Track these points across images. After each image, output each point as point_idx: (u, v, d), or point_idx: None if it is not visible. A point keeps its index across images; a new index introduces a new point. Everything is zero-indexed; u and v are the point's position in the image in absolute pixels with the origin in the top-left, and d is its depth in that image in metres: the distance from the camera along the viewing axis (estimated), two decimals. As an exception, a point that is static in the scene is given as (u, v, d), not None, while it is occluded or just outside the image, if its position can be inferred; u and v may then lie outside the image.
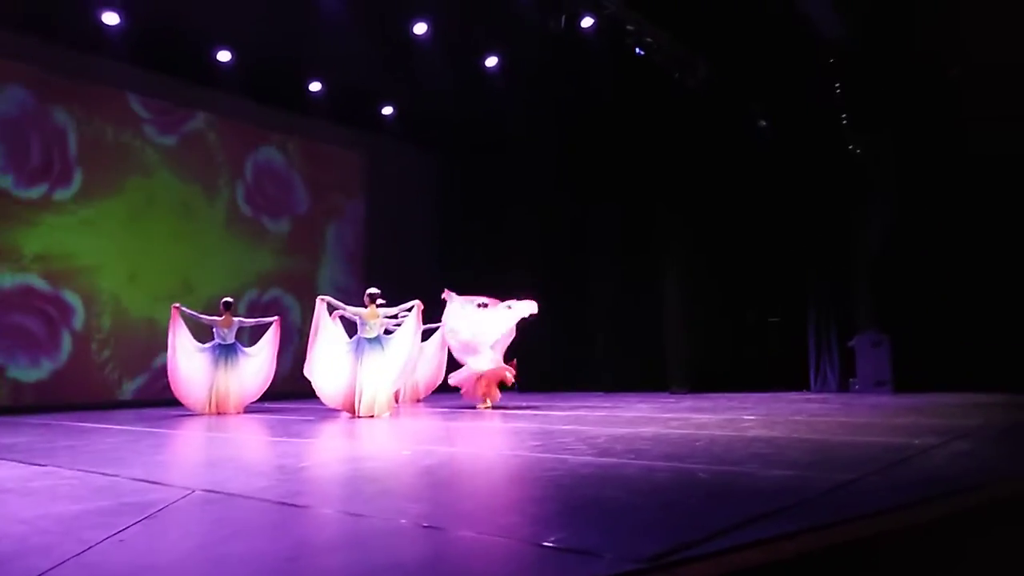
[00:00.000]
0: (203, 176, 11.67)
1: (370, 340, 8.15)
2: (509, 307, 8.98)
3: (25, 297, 9.62)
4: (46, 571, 2.16)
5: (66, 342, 9.94)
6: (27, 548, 2.47)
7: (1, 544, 2.51)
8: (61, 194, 10.08)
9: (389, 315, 8.47)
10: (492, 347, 8.77)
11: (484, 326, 8.83)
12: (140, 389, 10.57)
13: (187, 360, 8.99)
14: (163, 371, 9.96)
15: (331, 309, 8.41)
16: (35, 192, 9.83)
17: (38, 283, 9.74)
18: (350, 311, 8.38)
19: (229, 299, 9.43)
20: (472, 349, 8.78)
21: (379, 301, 8.33)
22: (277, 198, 12.63)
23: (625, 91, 11.50)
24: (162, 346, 9.32)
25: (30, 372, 9.57)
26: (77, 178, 10.24)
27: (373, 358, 8.05)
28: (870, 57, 9.75)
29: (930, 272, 9.68)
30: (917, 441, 4.63)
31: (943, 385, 9.12)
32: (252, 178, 12.31)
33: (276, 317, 9.76)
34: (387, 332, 8.61)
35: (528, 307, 8.90)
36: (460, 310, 8.98)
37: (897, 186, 9.98)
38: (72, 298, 10.05)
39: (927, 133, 9.68)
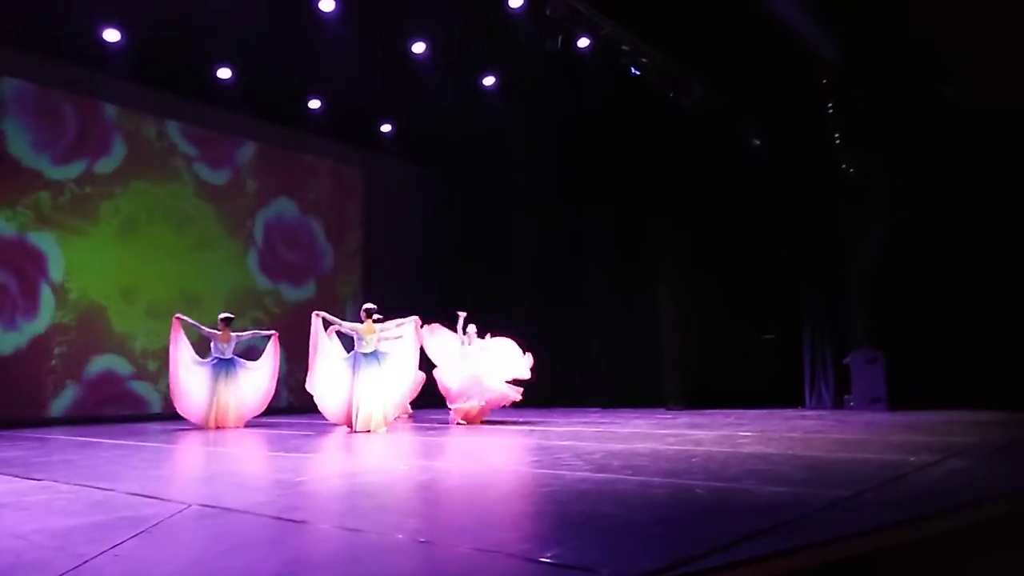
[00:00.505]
0: (200, 191, 11.73)
1: (367, 355, 8.15)
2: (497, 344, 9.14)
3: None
4: (43, 585, 2.16)
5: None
6: (23, 563, 2.46)
7: (-3, 558, 2.51)
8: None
9: (384, 330, 8.47)
10: (488, 381, 8.86)
11: (479, 368, 8.89)
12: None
13: (187, 373, 8.98)
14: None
15: (326, 324, 8.41)
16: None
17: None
18: (346, 326, 8.39)
19: (229, 315, 9.44)
20: (466, 393, 8.86)
21: (375, 316, 8.34)
22: (274, 214, 12.67)
23: (621, 110, 11.60)
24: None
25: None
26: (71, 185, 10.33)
27: (370, 373, 8.05)
28: (862, 77, 9.86)
29: (926, 289, 9.72)
30: (913, 458, 4.64)
31: (939, 403, 9.13)
32: (249, 195, 12.36)
33: (273, 332, 9.76)
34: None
35: (524, 367, 9.07)
36: (447, 352, 9.01)
37: (890, 203, 10.06)
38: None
39: (920, 150, 9.77)
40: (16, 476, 4.55)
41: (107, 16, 9.65)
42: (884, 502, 3.31)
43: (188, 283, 11.29)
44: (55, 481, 4.29)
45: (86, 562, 2.42)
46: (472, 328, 9.25)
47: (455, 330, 9.20)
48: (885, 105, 9.81)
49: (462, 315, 9.24)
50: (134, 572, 2.37)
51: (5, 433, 8.13)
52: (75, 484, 4.15)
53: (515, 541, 2.63)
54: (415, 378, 9.06)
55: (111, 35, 9.82)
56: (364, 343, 8.18)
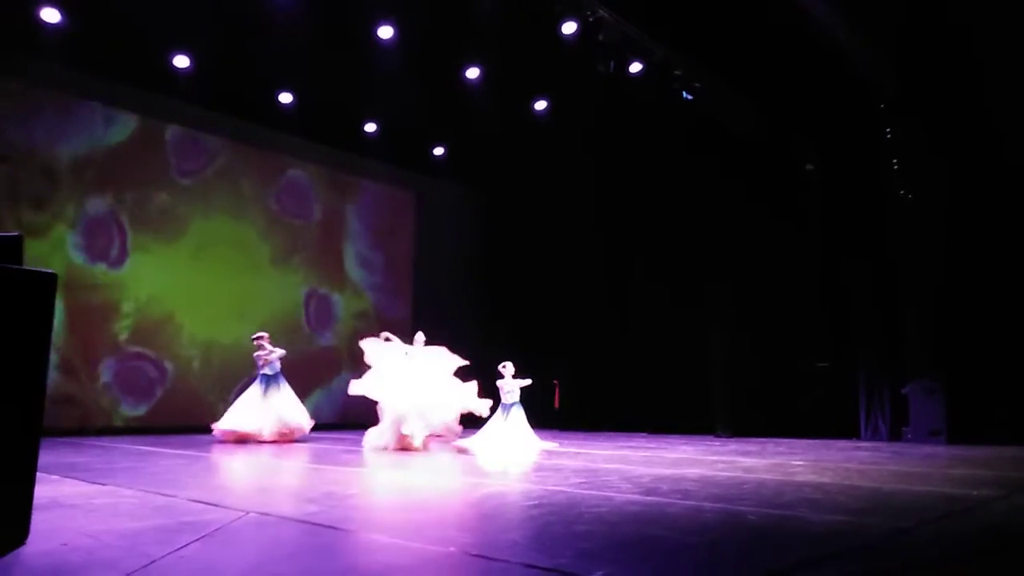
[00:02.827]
0: (251, 212, 12.09)
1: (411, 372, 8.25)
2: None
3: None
4: (116, 581, 2.26)
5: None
6: (95, 560, 2.58)
7: (72, 556, 2.63)
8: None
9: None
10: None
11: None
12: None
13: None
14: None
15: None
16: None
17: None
18: (403, 348, 8.51)
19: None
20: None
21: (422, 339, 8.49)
22: (330, 235, 12.99)
23: (672, 134, 11.60)
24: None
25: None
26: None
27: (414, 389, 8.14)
28: (920, 104, 9.67)
29: (988, 317, 9.40)
30: (976, 492, 4.48)
31: (1001, 437, 8.78)
32: (302, 213, 12.71)
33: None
34: None
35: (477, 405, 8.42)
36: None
37: (950, 230, 9.78)
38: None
39: (980, 176, 9.50)
40: (83, 480, 4.74)
41: (177, 44, 10.14)
42: (948, 535, 3.21)
43: (241, 301, 11.61)
44: (119, 486, 4.46)
45: (153, 562, 2.53)
46: (510, 367, 8.95)
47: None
48: (944, 131, 9.59)
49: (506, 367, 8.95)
50: (200, 573, 2.46)
51: (70, 440, 8.46)
52: (139, 490, 4.31)
53: (566, 558, 2.63)
54: (459, 395, 8.55)
55: (181, 61, 10.30)
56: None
